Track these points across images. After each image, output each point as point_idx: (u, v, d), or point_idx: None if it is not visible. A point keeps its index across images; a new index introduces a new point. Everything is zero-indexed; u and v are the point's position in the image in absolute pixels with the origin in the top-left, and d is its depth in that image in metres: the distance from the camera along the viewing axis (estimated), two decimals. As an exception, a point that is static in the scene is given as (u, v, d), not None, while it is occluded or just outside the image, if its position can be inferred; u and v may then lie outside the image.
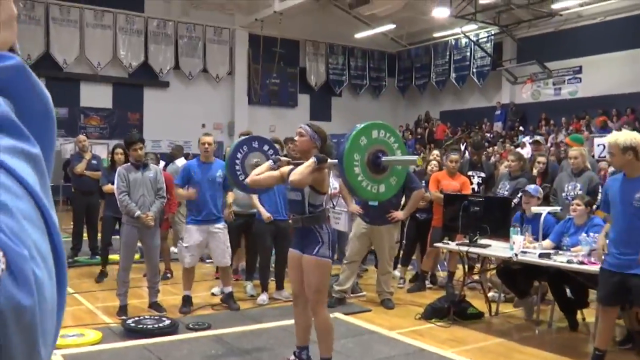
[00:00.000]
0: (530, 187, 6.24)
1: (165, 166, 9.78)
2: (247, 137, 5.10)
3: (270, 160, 4.30)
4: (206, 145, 6.05)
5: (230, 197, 6.46)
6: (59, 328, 0.58)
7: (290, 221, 4.21)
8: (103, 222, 7.60)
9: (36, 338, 0.51)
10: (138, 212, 5.74)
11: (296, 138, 4.13)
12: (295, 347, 4.29)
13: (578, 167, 6.51)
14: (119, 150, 7.36)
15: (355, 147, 3.70)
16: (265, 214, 6.21)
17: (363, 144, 3.74)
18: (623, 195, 4.27)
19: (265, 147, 4.86)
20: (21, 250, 0.51)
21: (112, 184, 7.12)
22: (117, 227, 7.40)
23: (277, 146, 5.93)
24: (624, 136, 4.30)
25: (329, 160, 3.91)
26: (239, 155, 4.74)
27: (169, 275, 7.70)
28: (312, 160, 3.83)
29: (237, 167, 4.71)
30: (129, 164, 5.99)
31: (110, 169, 7.39)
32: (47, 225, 0.56)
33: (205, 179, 5.96)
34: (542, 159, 7.43)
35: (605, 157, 8.81)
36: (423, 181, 7.42)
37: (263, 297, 6.42)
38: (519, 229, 5.60)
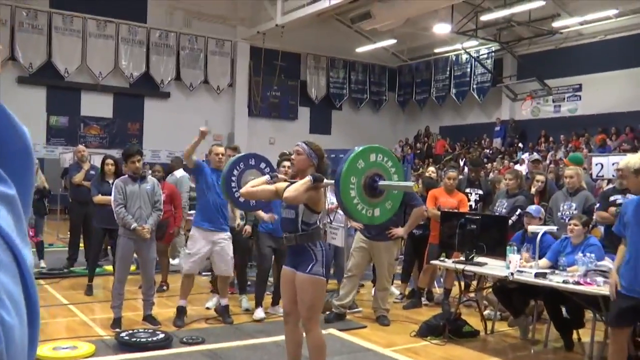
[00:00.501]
0: (532, 208, 6.23)
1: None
2: (244, 154, 5.08)
3: (267, 175, 4.30)
4: (220, 156, 6.07)
5: (237, 211, 6.40)
6: None
7: (284, 239, 4.18)
8: (92, 233, 7.55)
9: None
10: (134, 225, 5.74)
11: (293, 156, 4.11)
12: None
13: (573, 187, 6.50)
14: (110, 161, 7.36)
15: (352, 170, 3.70)
16: (266, 215, 6.14)
17: (360, 167, 3.73)
18: (639, 218, 4.19)
19: (262, 165, 4.85)
20: None
21: (102, 194, 7.13)
22: (106, 238, 7.41)
23: (287, 164, 5.88)
24: (635, 159, 4.23)
25: (325, 180, 3.89)
26: (235, 172, 4.73)
27: (165, 287, 7.68)
28: (308, 178, 3.82)
29: (234, 184, 4.71)
30: (126, 176, 5.99)
31: (100, 179, 7.37)
32: (20, 268, 0.56)
33: (216, 185, 5.92)
34: (540, 177, 7.41)
35: (602, 176, 8.80)
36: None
37: (259, 313, 6.34)
38: (515, 247, 5.59)
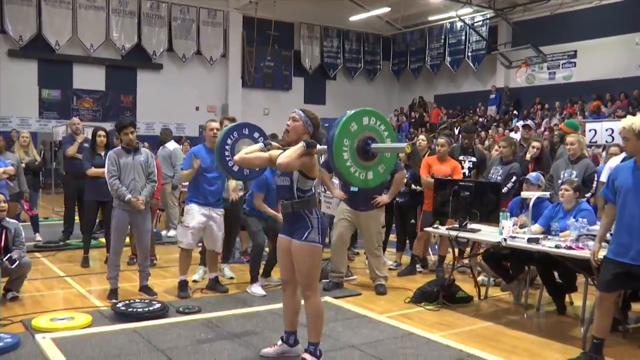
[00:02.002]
0: (532, 175, 6.24)
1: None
2: (237, 123, 5.05)
3: (261, 143, 4.28)
4: (215, 131, 5.98)
5: (233, 182, 6.38)
6: None
7: (280, 206, 4.19)
8: (85, 206, 7.55)
9: None
10: (129, 196, 5.74)
11: (289, 122, 4.09)
12: (284, 332, 4.31)
13: (575, 154, 6.48)
14: (102, 133, 7.33)
15: (345, 133, 3.69)
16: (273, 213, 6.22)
17: (353, 130, 3.72)
18: (637, 183, 4.10)
19: (256, 135, 4.83)
20: None
21: (95, 167, 7.11)
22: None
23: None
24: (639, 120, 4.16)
25: (318, 146, 3.88)
26: (228, 142, 4.72)
27: (154, 261, 7.57)
28: (301, 144, 3.81)
29: (227, 153, 4.71)
30: (119, 147, 5.97)
31: (91, 152, 7.34)
32: None
33: (214, 166, 5.92)
34: (536, 144, 7.41)
35: (596, 142, 8.82)
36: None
37: (257, 289, 6.18)
38: (508, 213, 5.61)
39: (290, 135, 4.05)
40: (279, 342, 4.31)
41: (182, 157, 8.45)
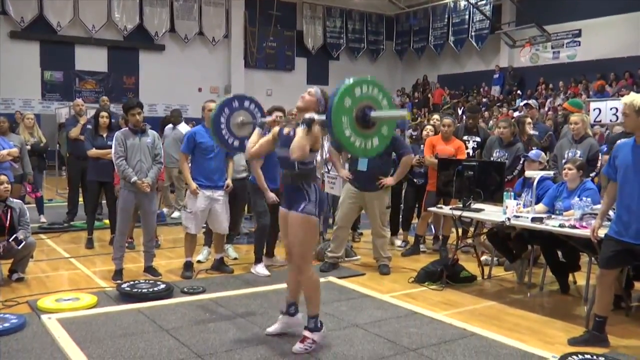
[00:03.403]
0: (532, 153, 6.24)
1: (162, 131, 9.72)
2: (225, 99, 4.99)
3: (258, 128, 4.32)
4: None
5: (231, 167, 6.37)
6: None
7: (282, 177, 4.23)
8: (87, 187, 7.55)
9: None
10: (135, 178, 5.73)
11: (304, 94, 4.09)
12: (285, 304, 4.34)
13: (579, 134, 6.46)
14: (104, 114, 7.32)
15: (341, 110, 3.63)
16: (270, 198, 6.16)
17: (348, 105, 3.67)
18: (636, 161, 4.12)
19: (247, 104, 4.83)
20: None
21: (96, 148, 7.11)
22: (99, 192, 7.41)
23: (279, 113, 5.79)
24: None
25: (316, 117, 3.86)
26: (222, 119, 4.72)
27: (158, 242, 7.55)
28: (302, 128, 3.82)
29: (224, 131, 4.71)
30: (126, 129, 5.95)
31: (93, 133, 7.33)
32: None
33: (214, 147, 5.91)
34: (529, 119, 7.51)
35: (600, 121, 8.79)
36: (422, 146, 7.44)
37: (261, 269, 6.22)
38: (512, 193, 5.60)
39: (299, 104, 4.06)
40: (279, 317, 4.35)
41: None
